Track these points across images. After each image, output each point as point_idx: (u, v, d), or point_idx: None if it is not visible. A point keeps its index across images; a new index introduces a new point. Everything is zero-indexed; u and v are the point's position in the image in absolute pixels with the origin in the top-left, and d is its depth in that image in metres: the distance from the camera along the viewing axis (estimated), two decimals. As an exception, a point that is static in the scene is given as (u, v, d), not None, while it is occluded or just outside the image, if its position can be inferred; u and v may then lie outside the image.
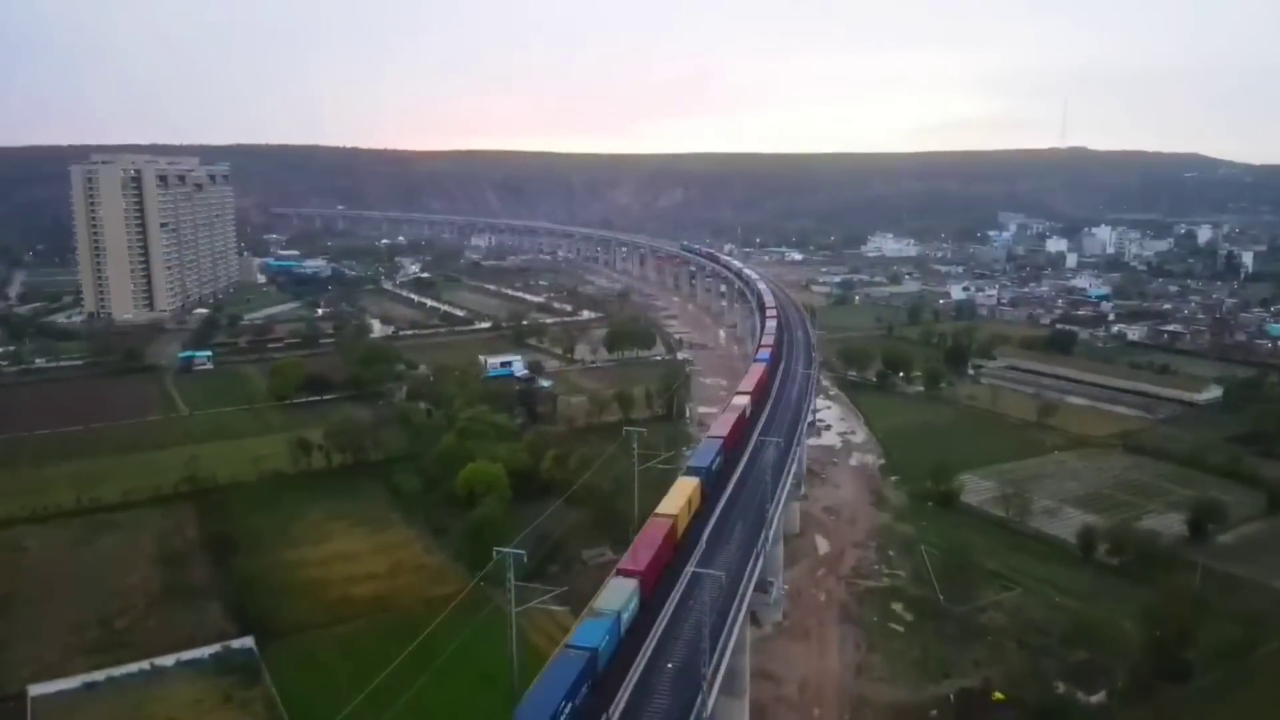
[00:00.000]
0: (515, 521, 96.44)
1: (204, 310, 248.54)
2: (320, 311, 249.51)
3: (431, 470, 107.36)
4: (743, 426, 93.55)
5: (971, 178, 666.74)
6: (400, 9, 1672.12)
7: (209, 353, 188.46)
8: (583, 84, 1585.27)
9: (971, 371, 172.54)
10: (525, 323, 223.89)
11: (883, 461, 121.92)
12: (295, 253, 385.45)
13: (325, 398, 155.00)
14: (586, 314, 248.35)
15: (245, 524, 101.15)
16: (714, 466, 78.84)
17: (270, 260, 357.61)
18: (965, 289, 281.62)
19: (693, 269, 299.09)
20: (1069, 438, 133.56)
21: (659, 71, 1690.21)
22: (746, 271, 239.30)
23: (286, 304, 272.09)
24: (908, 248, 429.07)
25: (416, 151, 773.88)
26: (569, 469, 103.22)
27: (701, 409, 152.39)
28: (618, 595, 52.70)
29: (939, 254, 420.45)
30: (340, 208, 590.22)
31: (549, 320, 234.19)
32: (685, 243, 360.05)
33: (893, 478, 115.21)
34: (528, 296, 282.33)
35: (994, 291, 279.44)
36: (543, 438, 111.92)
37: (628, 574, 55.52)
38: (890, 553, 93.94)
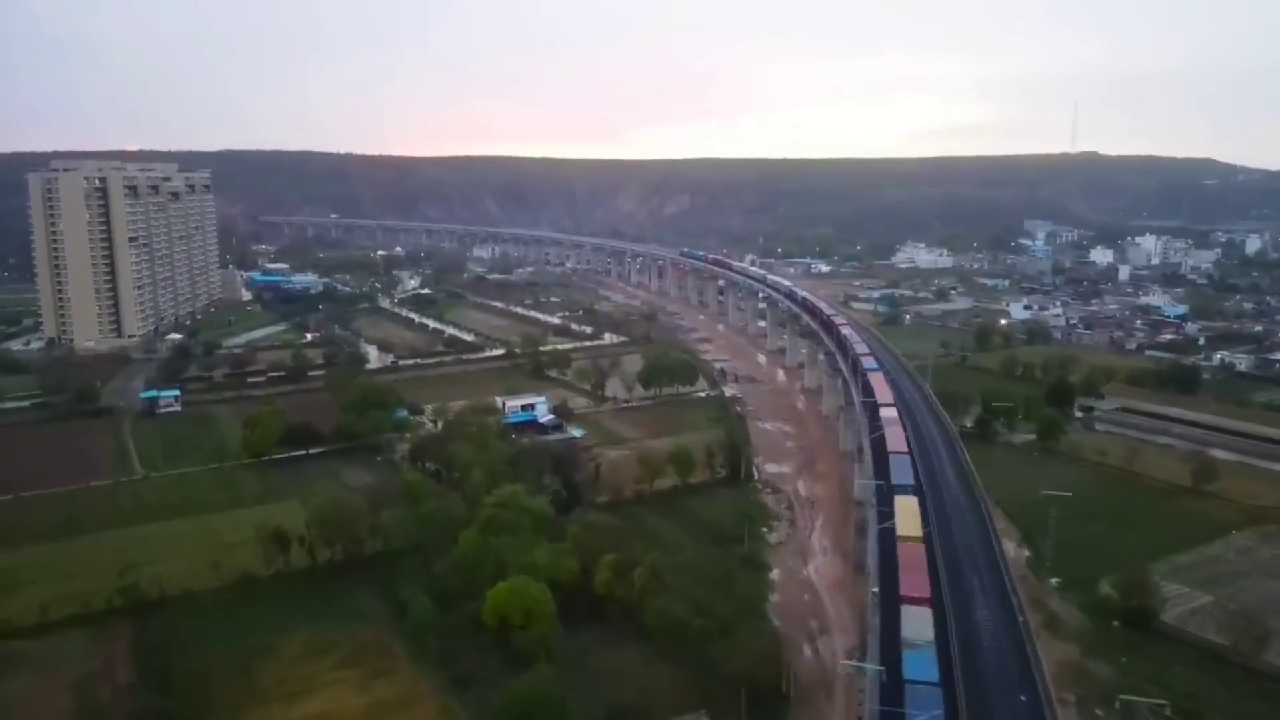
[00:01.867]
0: (565, 653, 70.30)
1: (177, 336, 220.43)
2: (309, 336, 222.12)
3: (447, 581, 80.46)
4: (909, 437, 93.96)
5: (988, 183, 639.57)
6: (397, 11, 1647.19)
7: (177, 391, 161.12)
8: (583, 88, 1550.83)
9: (1080, 414, 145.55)
10: (543, 349, 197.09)
11: (1028, 553, 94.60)
12: (284, 266, 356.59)
13: (311, 452, 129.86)
14: (609, 337, 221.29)
15: (196, 661, 74.55)
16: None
17: (256, 275, 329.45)
18: (1027, 307, 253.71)
19: (722, 283, 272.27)
20: (1240, 510, 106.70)
21: (661, 76, 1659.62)
22: (777, 279, 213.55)
23: (272, 326, 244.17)
24: (941, 258, 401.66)
25: (413, 157, 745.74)
26: (634, 585, 76.16)
27: (770, 467, 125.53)
28: (921, 624, 53.19)
29: (975, 265, 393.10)
30: (334, 216, 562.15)
31: (569, 346, 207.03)
32: (685, 250, 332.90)
33: (1052, 581, 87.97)
34: (541, 316, 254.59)
35: (1059, 310, 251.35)
36: (593, 532, 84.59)
37: (916, 602, 56.12)
38: (1098, 713, 67.22)
